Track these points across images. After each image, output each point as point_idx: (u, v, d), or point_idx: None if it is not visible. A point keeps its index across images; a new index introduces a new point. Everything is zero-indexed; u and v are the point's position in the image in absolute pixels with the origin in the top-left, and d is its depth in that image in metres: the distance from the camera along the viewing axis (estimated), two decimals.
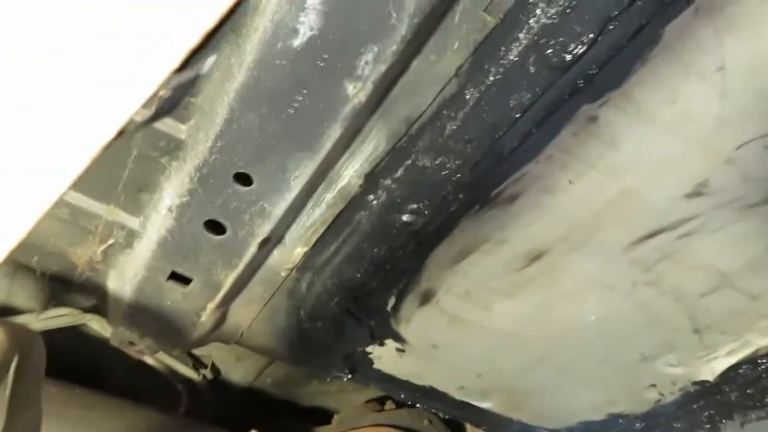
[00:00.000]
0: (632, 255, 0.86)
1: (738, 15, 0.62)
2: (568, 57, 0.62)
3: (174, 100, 0.68)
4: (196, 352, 1.46)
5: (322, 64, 0.60)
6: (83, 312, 1.27)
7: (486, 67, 0.65)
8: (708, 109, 0.69)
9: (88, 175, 0.44)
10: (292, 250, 0.87)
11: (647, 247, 0.85)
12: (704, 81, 0.67)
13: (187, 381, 1.47)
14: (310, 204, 0.81)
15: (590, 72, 0.64)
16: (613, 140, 0.73)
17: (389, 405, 1.44)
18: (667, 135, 0.72)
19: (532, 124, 0.68)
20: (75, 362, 1.30)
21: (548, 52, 0.62)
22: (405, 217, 0.79)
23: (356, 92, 0.62)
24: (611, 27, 0.60)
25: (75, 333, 1.31)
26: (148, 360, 1.39)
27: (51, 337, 1.08)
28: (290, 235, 0.85)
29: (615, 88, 0.67)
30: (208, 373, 1.48)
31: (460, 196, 0.77)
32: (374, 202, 0.79)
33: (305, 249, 0.87)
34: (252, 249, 0.80)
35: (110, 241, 0.83)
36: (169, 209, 0.76)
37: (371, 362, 1.09)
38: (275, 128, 0.66)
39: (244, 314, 0.97)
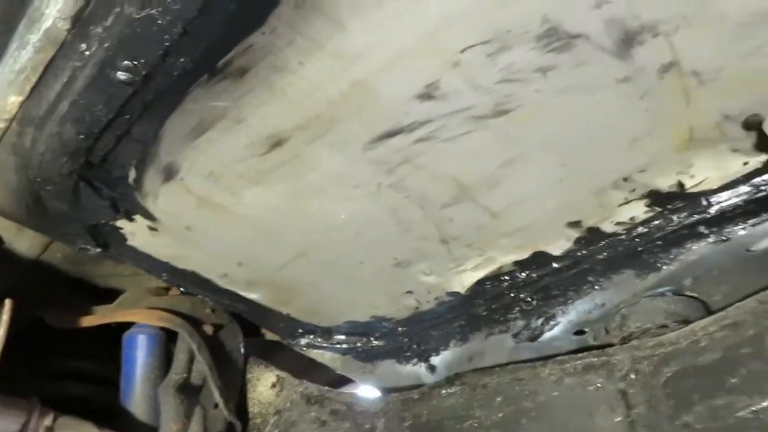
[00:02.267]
0: (373, 154, 0.85)
1: None
2: None
3: None
4: None
5: None
6: None
7: None
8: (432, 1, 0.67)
9: None
10: (6, 98, 0.78)
11: (386, 148, 0.84)
12: None
13: None
14: (13, 44, 0.72)
15: None
16: (340, 21, 0.69)
17: (174, 291, 1.41)
18: (394, 24, 0.69)
19: None
20: None
21: None
22: (120, 74, 0.72)
23: None
24: None
25: None
26: None
27: None
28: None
29: None
30: None
31: (181, 60, 0.71)
32: (86, 52, 0.71)
33: (20, 98, 0.78)
34: None
35: None
36: None
37: (124, 238, 1.04)
38: None
39: None
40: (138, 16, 0.66)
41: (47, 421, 1.11)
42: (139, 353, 1.35)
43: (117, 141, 0.82)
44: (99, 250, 1.04)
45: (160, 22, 0.67)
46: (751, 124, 0.80)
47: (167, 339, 1.38)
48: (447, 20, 0.68)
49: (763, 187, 0.87)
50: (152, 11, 0.66)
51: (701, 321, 0.93)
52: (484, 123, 0.80)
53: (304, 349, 1.33)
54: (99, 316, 1.34)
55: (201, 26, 0.67)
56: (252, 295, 1.19)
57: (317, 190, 0.92)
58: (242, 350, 1.42)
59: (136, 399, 1.34)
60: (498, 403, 1.04)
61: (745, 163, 0.85)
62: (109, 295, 1.55)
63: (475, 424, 1.04)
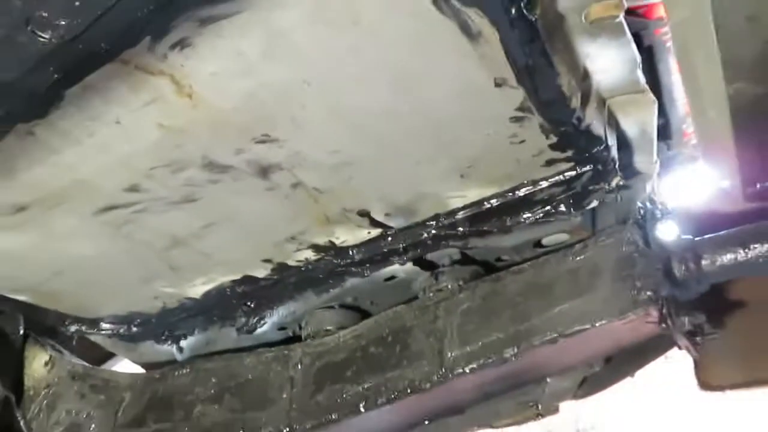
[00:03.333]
0: (102, 218, 1.16)
1: None
2: None
3: None
4: None
5: None
6: None
7: None
8: (122, 143, 0.98)
9: None
10: None
11: (112, 215, 1.15)
12: (117, 126, 0.95)
13: None
14: None
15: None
16: (60, 149, 0.98)
17: None
18: (101, 150, 1.00)
19: None
20: None
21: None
22: None
23: None
24: None
25: None
26: None
27: None
28: None
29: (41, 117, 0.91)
30: None
31: None
32: None
33: None
34: None
35: None
36: None
37: None
38: None
39: None
40: None
41: None
42: None
43: None
44: None
45: None
46: (364, 213, 1.22)
47: None
48: (136, 153, 1.00)
49: (383, 248, 1.30)
50: None
51: (346, 330, 1.38)
52: (179, 206, 1.14)
53: (74, 334, 1.63)
54: None
55: None
56: (19, 297, 1.45)
57: (62, 235, 1.21)
58: (21, 332, 1.67)
59: None
60: (212, 383, 1.44)
61: (369, 233, 1.28)
62: None
63: (194, 398, 1.43)
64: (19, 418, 1.58)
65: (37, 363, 1.64)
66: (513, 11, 0.80)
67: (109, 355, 1.90)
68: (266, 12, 0.78)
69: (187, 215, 1.17)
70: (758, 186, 1.26)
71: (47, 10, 0.72)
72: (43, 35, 0.75)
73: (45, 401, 1.56)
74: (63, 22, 0.74)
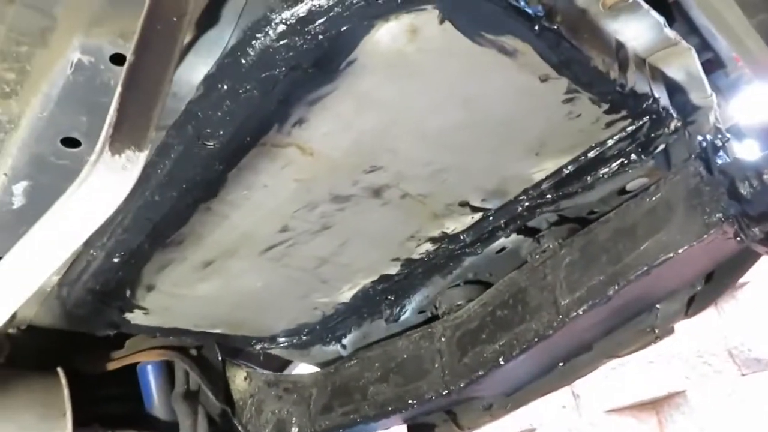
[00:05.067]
0: (265, 256, 1.49)
1: None
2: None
3: None
4: None
5: None
6: None
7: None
8: (270, 199, 1.29)
9: None
10: None
11: (272, 252, 1.48)
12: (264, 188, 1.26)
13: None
14: None
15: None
16: (229, 214, 1.31)
17: (158, 335, 2.05)
18: (256, 210, 1.32)
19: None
20: None
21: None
22: (116, 259, 1.33)
23: None
24: None
25: None
26: None
27: None
28: None
29: (214, 197, 1.24)
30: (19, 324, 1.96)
31: (146, 246, 1.33)
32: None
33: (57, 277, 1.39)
34: None
35: None
36: None
37: (129, 321, 1.67)
38: None
39: None
40: None
41: None
42: (152, 378, 2.01)
43: (121, 285, 1.45)
44: (114, 331, 1.68)
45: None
46: (464, 203, 1.46)
47: (168, 363, 2.04)
48: (281, 204, 1.31)
49: (487, 227, 1.53)
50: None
51: (473, 301, 1.63)
52: (319, 233, 1.44)
53: (259, 351, 2.01)
54: (120, 360, 1.98)
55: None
56: (216, 330, 1.85)
57: (238, 275, 1.56)
58: (219, 358, 2.09)
59: (156, 407, 2.01)
60: (376, 367, 1.75)
61: (472, 218, 1.52)
62: (117, 339, 2.17)
63: (365, 382, 1.74)
64: (237, 425, 1.99)
65: (239, 379, 2.04)
66: (537, 28, 1.00)
67: (288, 363, 2.28)
68: (352, 84, 1.05)
69: (327, 239, 1.48)
70: None
71: (210, 128, 1.04)
72: (209, 143, 1.07)
73: (253, 408, 1.96)
74: (221, 132, 1.05)
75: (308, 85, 1.03)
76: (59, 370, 1.79)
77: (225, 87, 0.97)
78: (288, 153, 1.17)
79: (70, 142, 0.98)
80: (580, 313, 1.32)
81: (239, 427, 1.98)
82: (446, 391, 1.57)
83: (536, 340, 1.40)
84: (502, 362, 1.46)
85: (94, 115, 0.94)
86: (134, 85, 0.62)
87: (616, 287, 1.26)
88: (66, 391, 1.72)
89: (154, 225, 1.25)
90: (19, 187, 1.06)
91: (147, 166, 0.80)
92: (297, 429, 1.83)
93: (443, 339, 1.65)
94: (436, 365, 1.63)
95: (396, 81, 1.06)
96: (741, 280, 3.16)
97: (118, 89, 0.61)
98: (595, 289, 1.30)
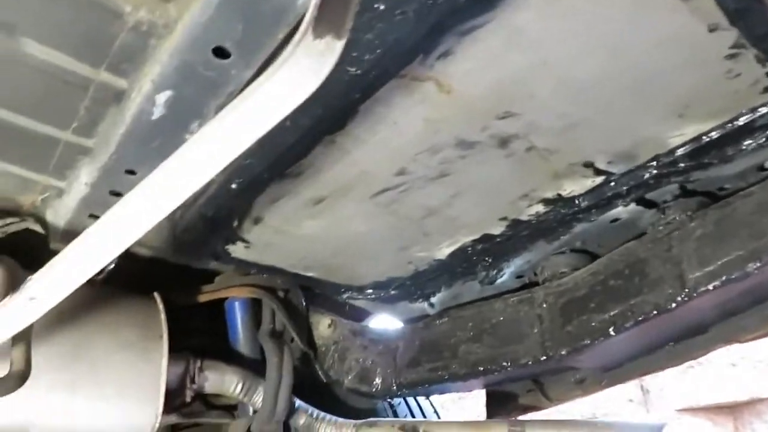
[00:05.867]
0: (376, 200, 1.47)
1: None
2: None
3: None
4: None
5: None
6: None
7: None
8: (396, 137, 1.26)
9: None
10: None
11: (383, 197, 1.46)
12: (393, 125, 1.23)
13: None
14: None
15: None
16: (352, 150, 1.29)
17: (253, 271, 2.07)
18: (379, 148, 1.29)
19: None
20: None
21: None
22: (234, 185, 1.34)
23: None
24: None
25: None
26: None
27: None
28: None
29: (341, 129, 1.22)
30: None
31: (266, 175, 1.32)
32: None
33: None
34: None
35: None
36: None
37: (229, 253, 1.69)
38: None
39: None
40: None
41: (198, 363, 1.82)
42: (238, 315, 2.04)
43: (233, 209, 1.46)
44: (214, 262, 1.70)
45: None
46: (588, 164, 1.39)
47: (255, 303, 2.06)
48: (405, 144, 1.28)
49: (607, 193, 1.46)
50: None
51: (581, 270, 1.56)
52: (435, 181, 1.40)
53: (344, 300, 2.01)
54: (210, 294, 2.02)
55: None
56: (309, 273, 1.85)
57: (345, 217, 1.55)
58: (304, 303, 2.10)
59: (241, 343, 2.05)
60: (469, 327, 1.71)
61: (593, 181, 1.44)
62: (205, 274, 2.22)
63: (456, 340, 1.71)
64: (317, 369, 2.00)
65: (322, 326, 2.05)
66: None
67: (366, 315, 2.27)
68: (508, 16, 0.99)
69: (441, 188, 1.44)
70: None
71: (356, 52, 1.01)
72: (351, 69, 1.04)
73: (336, 354, 1.96)
74: (366, 57, 1.02)
75: (465, 13, 0.98)
76: (156, 295, 1.84)
77: (382, 7, 0.93)
78: (425, 88, 1.13)
79: (221, 53, 0.97)
80: (710, 288, 1.24)
81: (320, 372, 1.99)
82: (544, 357, 1.52)
83: (654, 313, 1.32)
84: (612, 333, 1.39)
85: (251, 23, 0.92)
86: None
87: (758, 263, 1.17)
88: (163, 315, 1.76)
89: (279, 153, 1.24)
90: (162, 97, 1.06)
91: None
92: (380, 379, 1.83)
93: (544, 305, 1.59)
94: (535, 330, 1.58)
95: (553, 18, 1.00)
96: None
97: None
98: (732, 264, 1.22)
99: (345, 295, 1.99)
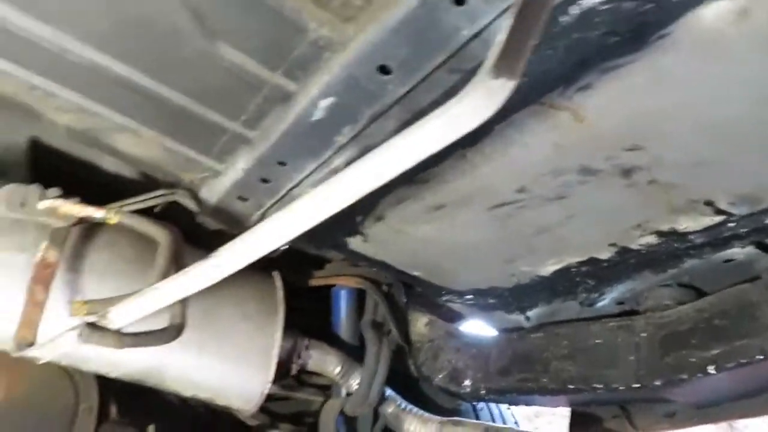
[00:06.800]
0: (492, 212, 1.56)
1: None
2: None
3: None
4: None
5: None
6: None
7: None
8: (524, 158, 1.35)
9: None
10: None
11: (500, 210, 1.55)
12: (523, 147, 1.32)
13: None
14: None
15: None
16: (480, 165, 1.39)
17: (363, 264, 2.22)
18: (506, 166, 1.38)
19: None
20: None
21: None
22: None
23: None
24: None
25: None
26: None
27: None
28: None
29: (473, 146, 1.32)
30: None
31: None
32: None
33: None
34: None
35: None
36: None
37: (347, 244, 1.84)
38: None
39: None
40: None
41: (306, 341, 1.98)
42: (343, 302, 2.20)
43: (359, 209, 1.59)
44: (333, 250, 1.86)
45: None
46: (709, 203, 1.41)
47: (359, 293, 2.21)
48: (531, 164, 1.36)
49: (724, 233, 1.48)
50: None
51: (686, 305, 1.58)
52: (551, 202, 1.48)
53: (443, 302, 2.11)
54: (321, 279, 2.19)
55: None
56: (415, 273, 1.97)
57: (460, 225, 1.65)
58: (404, 300, 2.23)
59: (343, 328, 2.20)
60: (564, 344, 1.77)
61: (711, 220, 1.46)
62: (317, 261, 2.39)
63: (549, 355, 1.77)
64: (411, 364, 2.12)
65: (420, 324, 2.17)
66: None
67: (460, 318, 2.37)
68: (655, 57, 1.06)
69: (556, 209, 1.51)
70: None
71: None
72: None
73: (430, 352, 2.07)
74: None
75: (611, 53, 1.05)
76: (275, 274, 2.02)
77: (536, 42, 1.02)
78: (560, 116, 1.21)
79: (384, 70, 1.10)
80: None
81: (412, 366, 2.11)
82: (638, 385, 1.56)
83: (760, 357, 1.34)
84: (712, 371, 1.41)
85: (416, 47, 1.04)
86: (523, 16, 0.69)
87: None
88: (281, 293, 1.94)
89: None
90: (325, 102, 1.20)
91: None
92: (470, 381, 1.92)
93: (644, 334, 1.62)
94: (631, 357, 1.61)
95: (700, 62, 1.05)
96: None
97: (512, 17, 0.68)
98: None
99: (444, 298, 2.09)
